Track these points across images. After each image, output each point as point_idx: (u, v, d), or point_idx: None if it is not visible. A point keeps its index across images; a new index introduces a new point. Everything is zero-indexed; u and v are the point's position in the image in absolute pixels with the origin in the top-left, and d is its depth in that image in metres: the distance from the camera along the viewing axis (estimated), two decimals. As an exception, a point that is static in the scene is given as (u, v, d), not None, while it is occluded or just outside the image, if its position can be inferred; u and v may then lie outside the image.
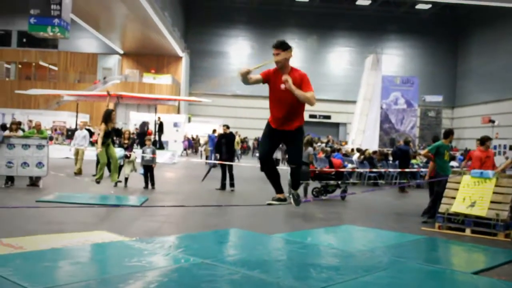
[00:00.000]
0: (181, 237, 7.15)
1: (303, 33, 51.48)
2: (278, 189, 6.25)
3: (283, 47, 5.76)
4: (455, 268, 6.47)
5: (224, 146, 13.98)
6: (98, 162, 15.44)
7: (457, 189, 9.27)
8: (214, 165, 23.20)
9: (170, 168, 21.68)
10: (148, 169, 13.27)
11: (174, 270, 5.25)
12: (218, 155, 14.21)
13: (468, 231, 8.81)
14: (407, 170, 16.51)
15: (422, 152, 12.47)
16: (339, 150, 18.82)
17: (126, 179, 13.38)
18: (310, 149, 12.86)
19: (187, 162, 26.74)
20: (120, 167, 12.64)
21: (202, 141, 34.05)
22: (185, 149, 33.34)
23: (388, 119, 37.27)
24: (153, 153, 13.46)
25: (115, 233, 7.17)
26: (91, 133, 20.22)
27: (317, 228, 8.75)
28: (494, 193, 8.85)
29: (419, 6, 49.62)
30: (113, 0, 31.74)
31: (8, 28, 49.10)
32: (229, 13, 51.23)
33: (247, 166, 22.04)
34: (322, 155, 16.11)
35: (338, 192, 13.39)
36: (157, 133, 26.85)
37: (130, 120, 31.48)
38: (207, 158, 26.14)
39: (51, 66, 48.69)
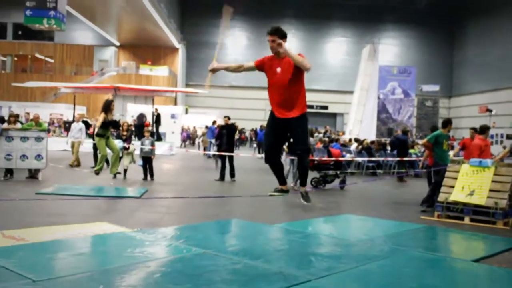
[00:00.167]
0: (182, 227, 7.17)
1: (299, 23, 51.39)
2: (282, 180, 6.28)
3: (278, 33, 5.78)
4: (456, 256, 6.51)
5: (225, 137, 14.04)
6: (95, 153, 15.53)
7: (456, 178, 9.32)
8: (209, 156, 23.27)
9: (168, 159, 21.69)
10: (147, 161, 13.28)
11: (177, 260, 5.27)
12: (217, 146, 14.29)
13: (467, 220, 8.86)
14: (405, 159, 16.56)
15: (421, 141, 12.51)
16: (337, 140, 18.84)
17: (125, 170, 13.39)
18: (312, 139, 12.92)
19: (185, 153, 26.74)
20: (119, 159, 12.65)
21: (199, 133, 34.06)
22: (183, 141, 33.36)
23: (386, 109, 37.28)
24: (152, 144, 13.47)
25: (116, 224, 7.19)
26: (89, 125, 20.17)
27: (317, 218, 8.78)
28: (492, 181, 8.90)
29: (416, -4, 49.61)
30: (109, -9, 31.65)
31: (4, 21, 48.87)
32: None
33: (246, 156, 22.11)
34: (320, 146, 16.13)
35: (337, 182, 13.45)
36: (154, 125, 26.85)
37: (128, 112, 31.45)
38: (205, 149, 26.18)
39: (47, 59, 48.52)
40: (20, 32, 48.69)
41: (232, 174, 13.99)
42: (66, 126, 26.84)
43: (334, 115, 51.88)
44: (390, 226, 8.14)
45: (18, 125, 13.11)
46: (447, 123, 10.55)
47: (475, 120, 40.31)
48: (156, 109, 27.79)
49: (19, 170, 12.42)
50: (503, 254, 6.53)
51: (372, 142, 20.26)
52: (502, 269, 5.62)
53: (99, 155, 11.78)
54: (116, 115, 27.44)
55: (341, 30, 52.46)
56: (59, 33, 44.36)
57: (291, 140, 6.42)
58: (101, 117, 10.64)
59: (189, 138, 35.43)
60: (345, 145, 20.02)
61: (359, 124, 32.75)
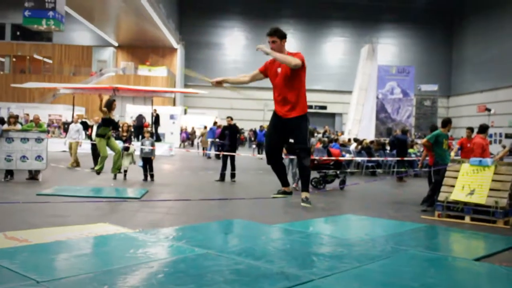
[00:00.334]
0: (184, 228, 7.18)
1: (298, 23, 51.44)
2: (284, 182, 6.30)
3: (278, 34, 5.83)
4: (457, 255, 6.54)
5: (228, 137, 14.11)
6: (93, 154, 15.55)
7: (456, 177, 9.34)
8: (209, 157, 23.31)
9: (167, 160, 21.71)
10: (147, 161, 13.30)
11: (179, 261, 5.28)
12: (218, 146, 14.37)
13: (467, 219, 8.88)
14: (405, 158, 16.60)
15: (421, 141, 12.55)
16: (336, 140, 18.87)
17: (125, 171, 13.41)
18: (312, 139, 12.97)
19: (185, 154, 26.76)
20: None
21: (198, 133, 34.08)
22: (182, 141, 33.39)
23: (384, 109, 37.35)
24: (152, 145, 13.49)
25: (118, 225, 7.21)
26: (88, 126, 20.17)
27: (318, 218, 8.80)
28: (493, 180, 8.92)
29: (414, -5, 49.68)
30: (108, -8, 31.66)
31: (2, 21, 48.88)
32: (223, 4, 51.11)
33: (246, 157, 22.12)
34: (319, 146, 16.15)
35: (337, 182, 13.47)
36: (153, 126, 26.85)
37: (127, 113, 31.45)
38: (204, 149, 26.23)
39: (45, 59, 48.52)
40: (18, 33, 48.71)
41: (233, 175, 14.02)
42: (65, 127, 26.85)
43: (332, 115, 51.95)
44: (391, 226, 8.15)
45: (18, 126, 13.13)
46: (447, 122, 10.59)
47: (474, 120, 40.41)
48: (155, 110, 27.80)
49: (19, 171, 12.43)
50: (504, 252, 6.56)
51: (372, 142, 20.29)
52: (503, 268, 5.64)
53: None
54: (115, 116, 27.42)
55: (339, 30, 52.52)
56: (57, 34, 44.38)
57: (291, 140, 6.44)
58: (103, 112, 10.64)
59: (188, 138, 35.45)
60: (344, 145, 20.05)
61: (358, 124, 32.82)
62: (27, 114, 18.83)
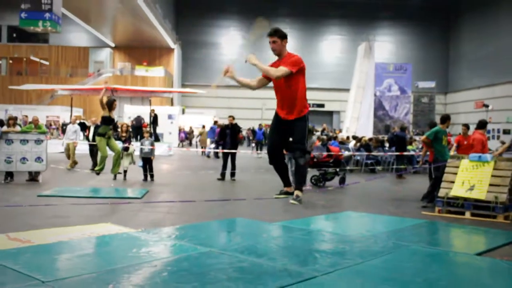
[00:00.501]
0: (186, 227, 7.20)
1: (294, 22, 51.47)
2: (286, 182, 6.31)
3: (278, 34, 5.85)
4: (459, 250, 6.57)
5: (228, 136, 14.13)
6: (91, 155, 15.57)
7: (456, 173, 9.38)
8: (208, 156, 23.33)
9: (166, 160, 21.71)
10: (147, 161, 13.31)
11: (183, 259, 5.30)
12: (214, 144, 14.39)
13: (468, 214, 8.92)
14: (405, 153, 16.63)
15: (421, 138, 12.58)
16: (335, 138, 18.90)
17: (125, 171, 13.41)
18: (313, 138, 13.01)
19: (184, 153, 26.78)
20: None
21: (196, 133, 34.08)
22: (181, 141, 33.40)
23: (382, 106, 37.42)
24: (152, 145, 13.50)
25: (120, 225, 7.22)
26: (86, 126, 20.15)
27: (319, 215, 8.83)
28: (492, 176, 8.96)
29: (410, -7, 49.74)
30: (104, -7, 31.64)
31: (-2, 23, 48.84)
32: (220, 4, 51.11)
33: (245, 156, 22.15)
34: (318, 143, 16.18)
35: (336, 179, 13.50)
36: (151, 126, 26.84)
37: (125, 113, 31.43)
38: (203, 148, 26.27)
39: (42, 61, 48.45)
40: (14, 35, 48.64)
41: (233, 174, 14.04)
42: (64, 128, 26.82)
43: (330, 113, 52.01)
44: (392, 222, 8.18)
45: (18, 128, 13.12)
46: (446, 119, 10.62)
47: (472, 116, 40.51)
48: (153, 110, 27.78)
49: (19, 173, 12.43)
50: (505, 247, 6.60)
51: (370, 139, 20.33)
52: (504, 262, 5.67)
53: (99, 155, 11.80)
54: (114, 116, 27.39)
55: (336, 28, 52.56)
56: (54, 35, 44.32)
57: (290, 139, 6.46)
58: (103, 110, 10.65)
59: (186, 138, 35.47)
60: (343, 143, 20.08)
61: (356, 122, 32.88)
62: (26, 116, 18.82)
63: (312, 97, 46.62)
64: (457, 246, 7.01)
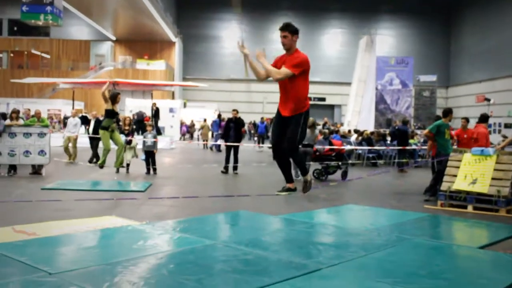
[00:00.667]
0: (190, 219, 7.24)
1: (295, 15, 51.31)
2: (288, 178, 6.33)
3: (289, 29, 5.85)
4: (461, 243, 6.61)
5: (232, 130, 14.16)
6: (92, 146, 15.61)
7: (458, 167, 9.40)
8: (211, 148, 23.37)
9: (168, 153, 21.74)
10: (150, 155, 13.34)
11: (188, 252, 5.33)
12: (219, 138, 14.42)
13: (470, 208, 8.95)
14: (407, 147, 16.65)
15: (423, 132, 12.59)
16: (337, 131, 18.92)
17: (128, 165, 13.44)
18: (316, 131, 13.05)
19: (185, 147, 26.82)
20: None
21: (197, 126, 34.09)
22: (182, 135, 33.44)
23: (384, 100, 37.39)
24: (155, 138, 13.53)
25: (124, 218, 7.26)
26: (88, 120, 20.17)
27: (322, 209, 8.87)
28: (495, 170, 9.00)
29: (412, -14, 49.58)
30: (105, -14, 31.57)
31: (-1, 17, 48.74)
32: (221, -3, 50.98)
33: (247, 149, 22.17)
34: (320, 137, 16.20)
35: (338, 173, 13.53)
36: (153, 119, 26.85)
37: (126, 106, 31.43)
38: (205, 141, 26.31)
39: (43, 54, 48.38)
40: (15, 28, 48.54)
41: (235, 167, 14.09)
42: (65, 122, 26.83)
43: (331, 107, 51.97)
44: (394, 216, 8.21)
45: (21, 121, 13.14)
46: (448, 112, 10.63)
47: (473, 110, 40.48)
48: (155, 104, 27.79)
49: (23, 166, 12.46)
50: (507, 240, 6.64)
51: (372, 133, 20.35)
52: (507, 255, 5.71)
53: (100, 149, 11.82)
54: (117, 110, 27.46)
55: (337, 21, 52.44)
56: (55, 29, 44.24)
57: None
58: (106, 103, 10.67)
59: (188, 131, 35.49)
60: (344, 137, 20.10)
61: (357, 116, 32.88)
62: (29, 109, 18.77)
63: (313, 91, 46.45)
64: (460, 240, 7.05)
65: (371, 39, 34.31)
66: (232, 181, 12.97)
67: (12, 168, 12.31)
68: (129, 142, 13.35)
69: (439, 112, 39.44)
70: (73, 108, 27.21)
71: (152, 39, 46.40)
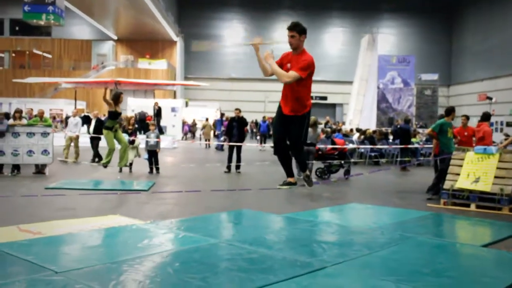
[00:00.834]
0: (194, 218, 7.27)
1: (297, 14, 51.28)
2: (289, 173, 6.37)
3: (297, 29, 5.87)
4: (465, 241, 6.63)
5: (235, 129, 14.19)
6: (92, 146, 15.62)
7: (461, 166, 9.42)
8: (217, 147, 23.39)
9: (171, 152, 21.76)
10: (153, 154, 13.37)
11: (193, 250, 5.35)
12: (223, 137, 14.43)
13: (473, 206, 8.97)
14: (410, 146, 16.66)
15: (426, 131, 12.59)
16: (339, 130, 18.93)
17: (131, 164, 13.47)
18: (318, 130, 13.07)
19: (188, 146, 26.85)
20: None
21: (199, 125, 34.11)
22: (185, 134, 33.47)
23: (385, 99, 37.36)
24: (157, 138, 13.56)
25: (129, 217, 7.29)
26: (90, 120, 20.21)
27: (325, 207, 8.89)
28: (497, 168, 9.01)
29: (413, -16, 49.53)
30: (107, -15, 31.58)
31: (0, 17, 48.73)
32: (222, -4, 50.99)
33: (250, 149, 22.17)
34: (323, 136, 16.21)
35: (341, 172, 13.54)
36: (155, 119, 26.88)
37: (128, 106, 31.47)
38: (208, 140, 26.35)
39: (45, 54, 48.43)
40: (17, 28, 48.57)
41: (238, 166, 14.11)
42: (67, 121, 26.85)
43: (333, 106, 51.96)
44: (397, 214, 8.24)
45: (24, 121, 13.18)
46: (451, 111, 10.65)
47: (475, 108, 40.44)
48: (157, 103, 27.83)
49: (26, 166, 12.50)
50: (510, 239, 6.65)
51: (374, 132, 20.36)
52: (510, 253, 5.73)
53: (101, 149, 11.84)
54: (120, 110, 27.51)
55: (339, 20, 52.41)
56: (56, 28, 44.28)
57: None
58: (108, 104, 10.69)
59: (190, 131, 35.52)
60: (347, 135, 20.12)
61: (359, 114, 32.85)
62: (31, 109, 18.84)
63: (315, 89, 45.85)
64: (463, 238, 7.07)
65: (373, 37, 34.28)
66: (235, 179, 12.99)
67: (16, 167, 12.35)
68: (132, 142, 13.38)
69: (441, 111, 39.52)
70: (75, 107, 27.26)
71: (153, 39, 46.42)
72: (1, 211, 7.75)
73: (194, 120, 37.01)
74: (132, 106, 30.67)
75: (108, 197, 9.29)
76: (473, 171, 9.19)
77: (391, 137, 20.44)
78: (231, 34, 51.44)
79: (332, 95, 50.68)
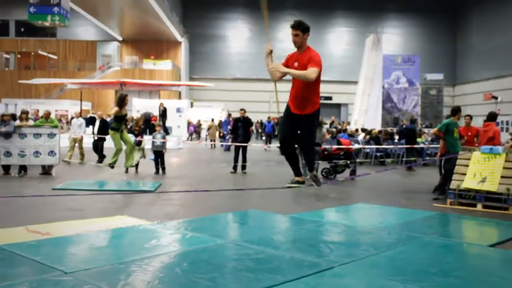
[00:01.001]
0: (201, 219, 7.29)
1: (301, 14, 51.18)
2: (297, 172, 6.37)
3: (301, 27, 5.87)
4: (472, 241, 6.62)
5: (241, 129, 14.21)
6: (94, 149, 15.66)
7: (467, 166, 9.40)
8: (224, 148, 23.39)
9: (176, 153, 21.79)
10: (159, 155, 13.39)
11: (201, 251, 5.37)
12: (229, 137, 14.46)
13: (479, 206, 8.96)
14: (415, 146, 16.63)
15: (432, 131, 12.57)
16: (345, 130, 18.93)
17: (137, 165, 13.50)
18: (323, 130, 13.06)
19: (193, 147, 26.89)
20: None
21: (204, 126, 34.14)
22: (190, 134, 33.52)
23: (390, 99, 37.28)
24: (164, 138, 13.59)
25: (136, 217, 7.31)
26: (95, 121, 20.23)
27: (331, 207, 8.90)
28: (504, 168, 8.98)
29: (418, -16, 49.42)
30: (111, -14, 31.66)
31: (6, 18, 48.90)
32: (227, -4, 51.01)
33: (255, 149, 22.19)
34: (328, 136, 16.21)
35: (347, 172, 13.54)
36: (161, 119, 26.94)
37: (133, 106, 31.55)
38: (213, 141, 26.37)
39: (50, 55, 48.58)
40: (22, 29, 48.74)
41: (244, 166, 14.13)
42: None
43: (338, 106, 51.92)
44: (404, 214, 8.24)
45: (31, 122, 13.23)
46: (457, 111, 10.62)
47: (480, 108, 40.34)
48: (162, 104, 27.87)
49: (33, 167, 12.54)
50: (517, 239, 6.64)
51: (380, 132, 20.34)
52: (518, 253, 5.73)
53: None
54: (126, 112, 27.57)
55: (343, 20, 52.37)
56: (61, 29, 44.39)
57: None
58: (113, 110, 10.74)
59: (195, 131, 35.57)
60: (352, 135, 20.11)
61: (364, 114, 32.84)
62: (37, 110, 18.92)
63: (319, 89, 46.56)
64: (470, 238, 7.07)
65: (378, 37, 34.26)
66: (241, 180, 13.00)
67: (23, 168, 12.40)
68: (138, 144, 13.40)
69: (446, 111, 39.44)
70: (80, 108, 27.34)
71: (158, 39, 46.49)
72: (9, 211, 7.79)
73: (199, 121, 37.06)
74: (137, 106, 30.72)
75: (115, 198, 9.32)
76: (479, 171, 9.17)
77: (396, 137, 20.42)
78: (236, 34, 51.48)
79: (337, 95, 50.61)
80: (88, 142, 17.31)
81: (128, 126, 15.23)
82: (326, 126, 23.16)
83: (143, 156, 13.72)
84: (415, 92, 38.38)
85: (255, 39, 49.91)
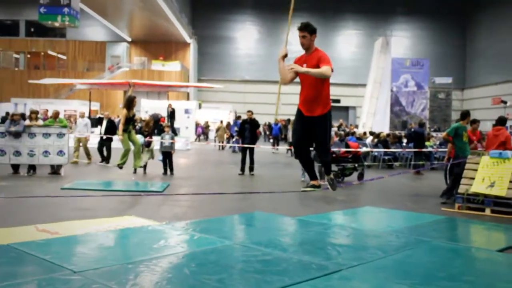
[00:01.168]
0: (209, 220, 7.31)
1: (310, 17, 51.20)
2: (313, 176, 6.33)
3: (309, 29, 5.88)
4: (480, 246, 6.60)
5: (248, 131, 14.22)
6: (99, 149, 15.71)
7: (476, 170, 9.37)
8: (234, 150, 23.43)
9: (184, 154, 21.85)
10: (167, 156, 13.43)
11: (209, 252, 5.39)
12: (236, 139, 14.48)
13: (488, 211, 8.92)
14: (424, 150, 16.59)
15: (441, 135, 12.52)
16: (353, 133, 18.91)
17: (145, 166, 13.55)
18: (332, 133, 13.05)
19: (201, 148, 26.94)
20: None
21: (212, 127, 34.21)
22: (198, 136, 33.60)
23: (399, 102, 37.20)
24: (172, 139, 13.63)
25: (144, 218, 7.35)
26: (103, 121, 20.29)
27: (338, 210, 8.89)
28: (513, 173, 8.95)
29: (428, -13, 49.28)
30: (121, -13, 31.79)
31: (16, 18, 49.24)
32: (235, -2, 51.10)
33: (264, 150, 22.23)
34: (336, 139, 16.21)
35: (355, 175, 13.53)
36: (169, 120, 27.01)
37: (142, 107, 31.65)
38: (222, 142, 26.41)
39: (59, 55, 48.85)
40: (32, 29, 49.06)
41: (251, 168, 14.15)
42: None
43: (346, 109, 51.83)
44: (412, 218, 8.23)
45: (40, 122, 13.31)
46: (466, 115, 10.58)
47: (489, 112, 40.14)
48: (170, 105, 27.95)
49: (42, 166, 12.62)
50: (526, 244, 6.60)
51: (388, 135, 20.31)
52: (527, 259, 5.71)
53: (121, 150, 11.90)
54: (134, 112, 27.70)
55: (352, 23, 52.32)
56: (71, 30, 44.64)
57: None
58: (122, 115, 10.79)
59: (203, 132, 35.64)
60: (360, 139, 20.09)
61: (372, 117, 32.77)
62: (46, 110, 19.01)
63: (328, 92, 46.48)
64: (478, 242, 7.04)
65: (387, 40, 34.19)
66: (248, 182, 13.02)
67: (32, 168, 12.48)
68: (148, 145, 13.44)
69: (454, 115, 39.29)
70: (89, 108, 27.44)
71: (167, 40, 46.60)
72: (18, 211, 7.84)
73: (207, 122, 37.12)
74: (146, 107, 30.84)
75: (123, 198, 9.36)
76: (488, 175, 9.14)
77: (405, 140, 20.37)
78: (244, 35, 51.54)
79: (346, 98, 50.52)
80: (93, 142, 17.32)
81: (137, 127, 15.28)
82: (335, 129, 23.19)
83: (152, 157, 13.77)
84: (424, 96, 38.27)
85: (264, 41, 49.97)
